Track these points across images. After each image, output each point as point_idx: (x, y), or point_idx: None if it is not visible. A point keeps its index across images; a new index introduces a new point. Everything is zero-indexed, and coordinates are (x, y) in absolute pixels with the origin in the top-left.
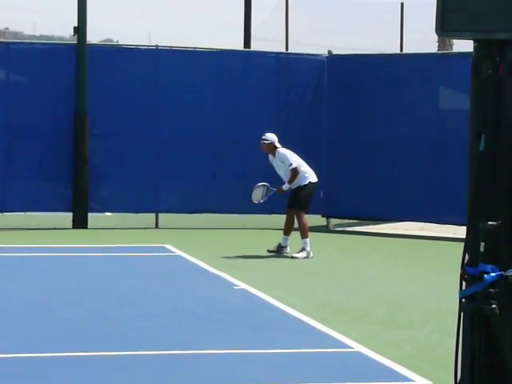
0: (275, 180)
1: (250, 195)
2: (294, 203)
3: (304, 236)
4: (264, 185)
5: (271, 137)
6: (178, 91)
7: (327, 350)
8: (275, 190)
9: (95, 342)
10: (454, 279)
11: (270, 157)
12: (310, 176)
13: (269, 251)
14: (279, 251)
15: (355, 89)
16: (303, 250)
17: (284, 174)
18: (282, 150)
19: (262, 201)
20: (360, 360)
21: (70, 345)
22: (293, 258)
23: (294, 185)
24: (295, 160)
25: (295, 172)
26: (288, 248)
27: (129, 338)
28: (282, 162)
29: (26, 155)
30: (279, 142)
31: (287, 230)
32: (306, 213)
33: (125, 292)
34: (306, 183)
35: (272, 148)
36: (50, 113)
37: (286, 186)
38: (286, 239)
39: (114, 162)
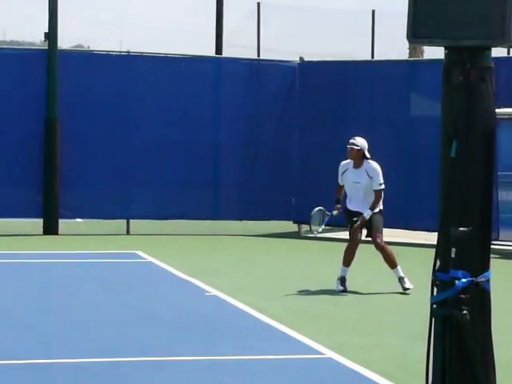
0: (251, 186)
1: (309, 224)
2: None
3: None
4: (320, 209)
5: (362, 143)
6: (150, 97)
7: (298, 357)
8: (334, 213)
9: (65, 348)
10: (425, 285)
11: (345, 165)
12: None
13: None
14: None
15: (327, 95)
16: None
17: (362, 190)
18: (373, 162)
19: (320, 230)
20: (331, 366)
21: (39, 352)
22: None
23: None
24: None
25: (381, 194)
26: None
27: (99, 344)
28: (371, 177)
29: None
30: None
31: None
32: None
33: (95, 299)
34: (382, 208)
35: (360, 156)
36: (20, 119)
37: (368, 214)
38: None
39: (84, 168)
